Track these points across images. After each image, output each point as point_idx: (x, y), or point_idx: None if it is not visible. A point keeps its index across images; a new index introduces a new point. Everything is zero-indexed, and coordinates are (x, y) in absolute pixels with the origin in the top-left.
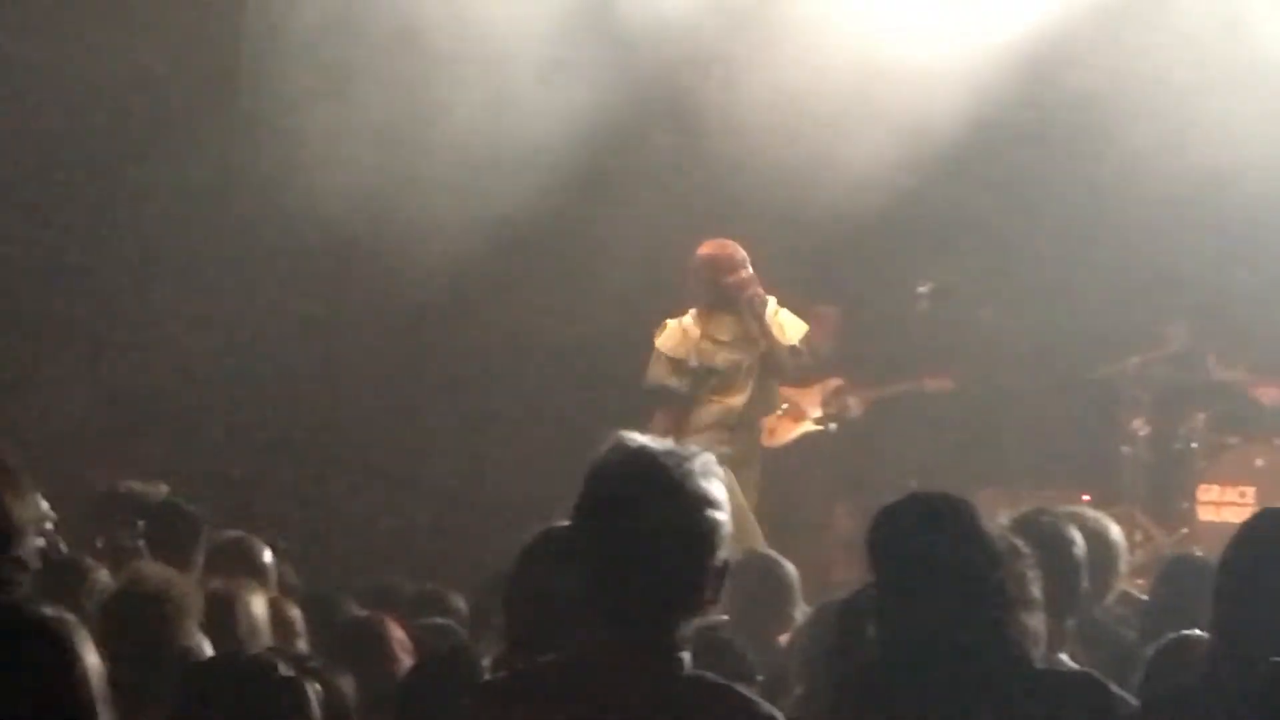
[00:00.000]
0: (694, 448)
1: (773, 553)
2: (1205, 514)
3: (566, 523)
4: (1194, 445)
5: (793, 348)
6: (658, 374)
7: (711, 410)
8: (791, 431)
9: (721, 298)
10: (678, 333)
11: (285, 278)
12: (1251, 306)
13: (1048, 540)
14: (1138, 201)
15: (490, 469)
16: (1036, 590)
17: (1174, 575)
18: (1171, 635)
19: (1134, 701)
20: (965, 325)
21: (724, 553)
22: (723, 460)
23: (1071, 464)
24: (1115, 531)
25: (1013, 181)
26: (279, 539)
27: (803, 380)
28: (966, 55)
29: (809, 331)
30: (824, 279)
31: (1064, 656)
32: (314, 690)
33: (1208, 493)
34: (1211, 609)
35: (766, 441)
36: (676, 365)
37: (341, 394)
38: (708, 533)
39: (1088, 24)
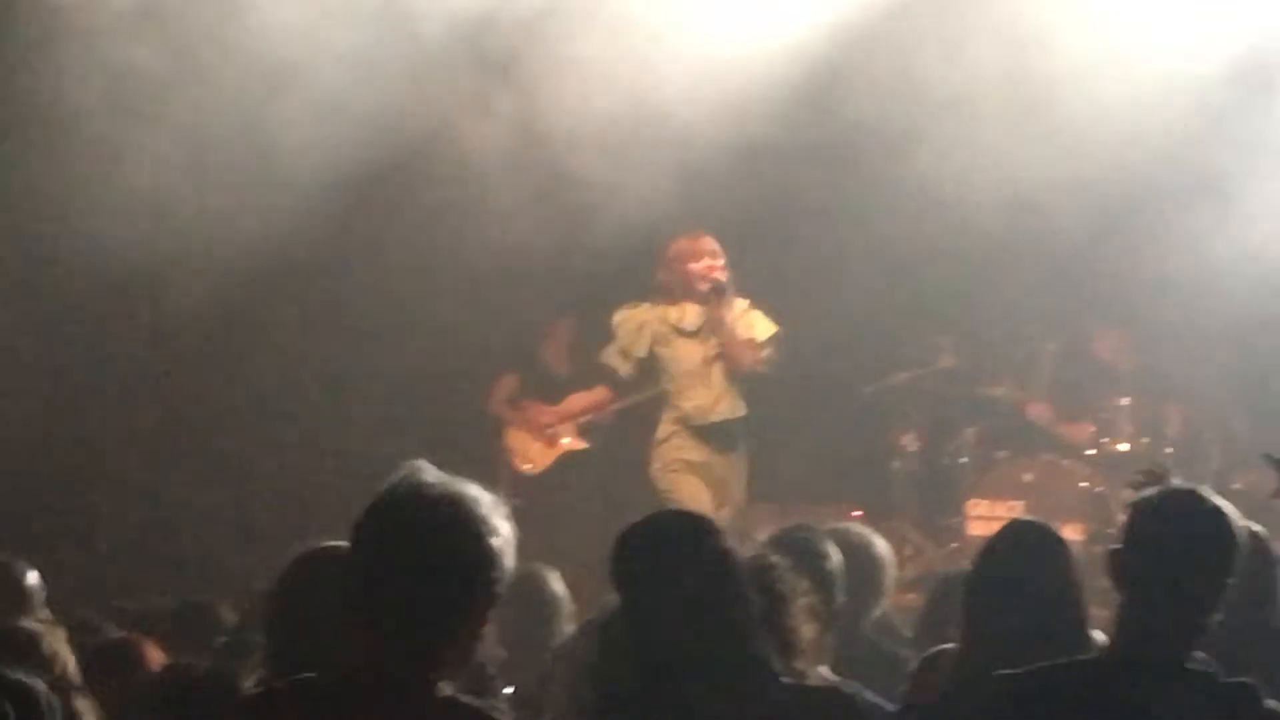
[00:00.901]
0: (480, 488)
1: (542, 568)
2: (975, 528)
3: (328, 544)
4: (963, 460)
5: (751, 340)
6: (606, 353)
7: (672, 415)
8: (549, 456)
9: (686, 286)
10: (634, 319)
11: (50, 299)
12: (1011, 326)
13: (803, 555)
14: (911, 221)
15: (267, 489)
16: (792, 605)
17: (946, 589)
18: (933, 649)
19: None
20: None
21: (500, 587)
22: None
23: (843, 479)
24: (881, 546)
25: (785, 202)
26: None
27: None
28: (741, 78)
29: (775, 335)
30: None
31: (824, 670)
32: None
33: (977, 507)
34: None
35: (527, 469)
36: (624, 351)
37: (110, 413)
38: (488, 563)
39: (869, 49)
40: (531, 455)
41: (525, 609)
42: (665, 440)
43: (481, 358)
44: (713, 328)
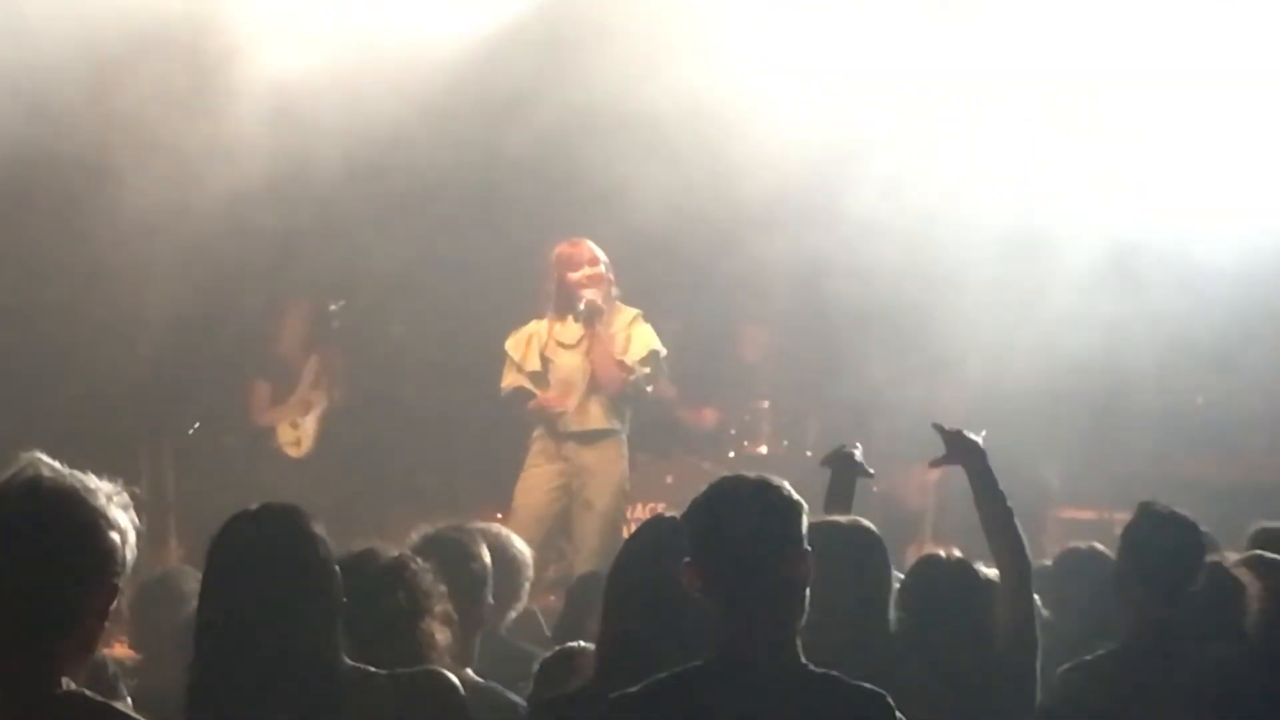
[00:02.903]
0: (107, 483)
1: (175, 568)
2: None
3: None
4: None
5: (620, 361)
6: (505, 378)
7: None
8: (310, 429)
9: (564, 298)
10: (525, 335)
11: None
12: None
13: (453, 556)
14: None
15: None
16: (429, 608)
17: (583, 589)
18: (559, 647)
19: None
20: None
21: (119, 579)
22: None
23: (486, 483)
24: (519, 547)
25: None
26: None
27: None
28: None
29: (652, 354)
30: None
31: (469, 673)
32: None
33: (632, 511)
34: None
35: (299, 453)
36: (516, 366)
37: None
38: (100, 559)
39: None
40: (298, 438)
41: (158, 610)
42: (530, 444)
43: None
44: (586, 344)
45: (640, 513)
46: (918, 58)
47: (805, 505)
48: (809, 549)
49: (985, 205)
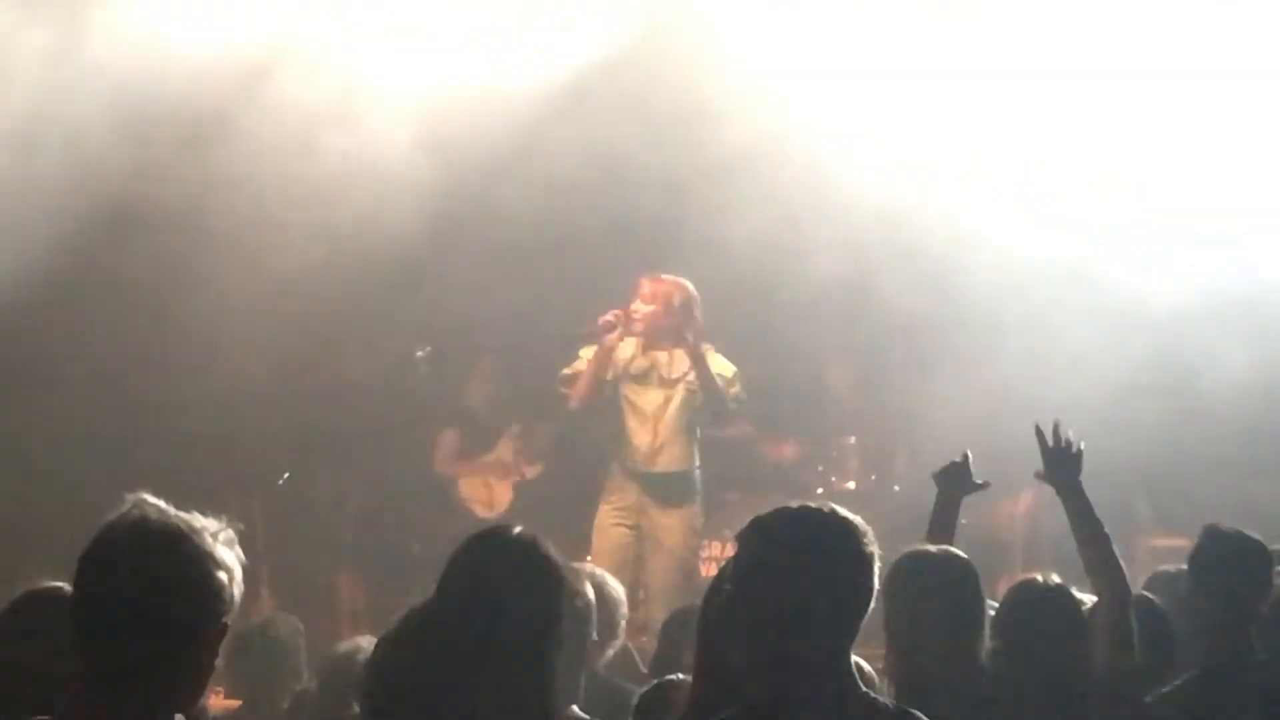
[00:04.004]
0: (212, 521)
1: (275, 615)
2: (708, 570)
3: (50, 585)
4: None
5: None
6: (571, 366)
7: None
8: (506, 494)
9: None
10: (610, 345)
11: None
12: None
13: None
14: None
15: None
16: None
17: (677, 625)
18: (655, 680)
19: None
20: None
21: (227, 618)
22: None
23: (575, 525)
24: (614, 586)
25: None
26: None
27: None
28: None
29: (737, 374)
30: None
31: (575, 710)
32: None
33: (708, 549)
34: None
35: (489, 514)
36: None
37: None
38: (213, 596)
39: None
40: (491, 499)
41: (257, 656)
42: (606, 482)
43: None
44: (665, 372)
45: (726, 552)
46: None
47: (864, 531)
48: (860, 577)
49: (1061, 239)
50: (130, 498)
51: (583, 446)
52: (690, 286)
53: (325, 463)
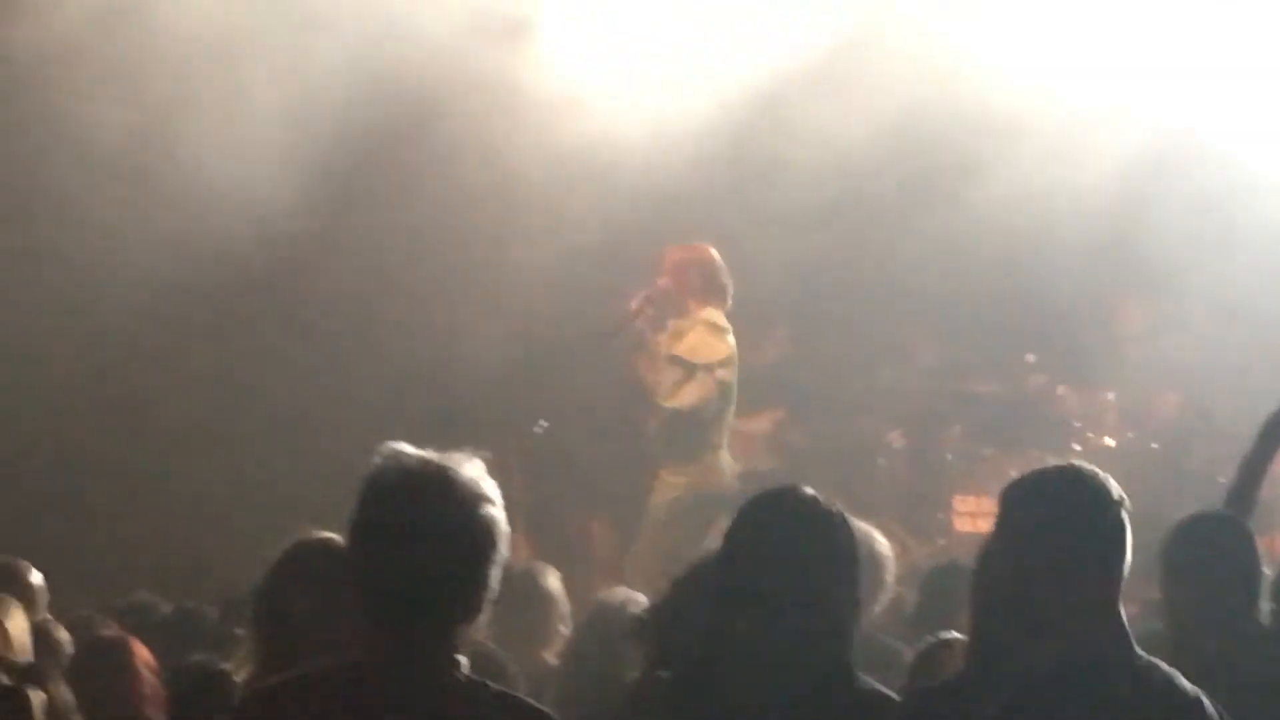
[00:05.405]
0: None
1: (536, 564)
2: (962, 525)
3: (316, 536)
4: (949, 457)
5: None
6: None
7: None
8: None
9: None
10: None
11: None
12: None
13: None
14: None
15: (243, 481)
16: None
17: (937, 582)
18: (930, 639)
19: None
20: None
21: (504, 549)
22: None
23: (828, 476)
24: (882, 543)
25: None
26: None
27: None
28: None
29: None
30: None
31: None
32: (38, 698)
33: (964, 504)
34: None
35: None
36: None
37: (102, 412)
38: (487, 531)
39: None
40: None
41: (524, 606)
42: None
43: (478, 360)
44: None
45: (980, 507)
46: None
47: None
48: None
49: None
50: (385, 448)
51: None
52: (706, 251)
53: (580, 410)
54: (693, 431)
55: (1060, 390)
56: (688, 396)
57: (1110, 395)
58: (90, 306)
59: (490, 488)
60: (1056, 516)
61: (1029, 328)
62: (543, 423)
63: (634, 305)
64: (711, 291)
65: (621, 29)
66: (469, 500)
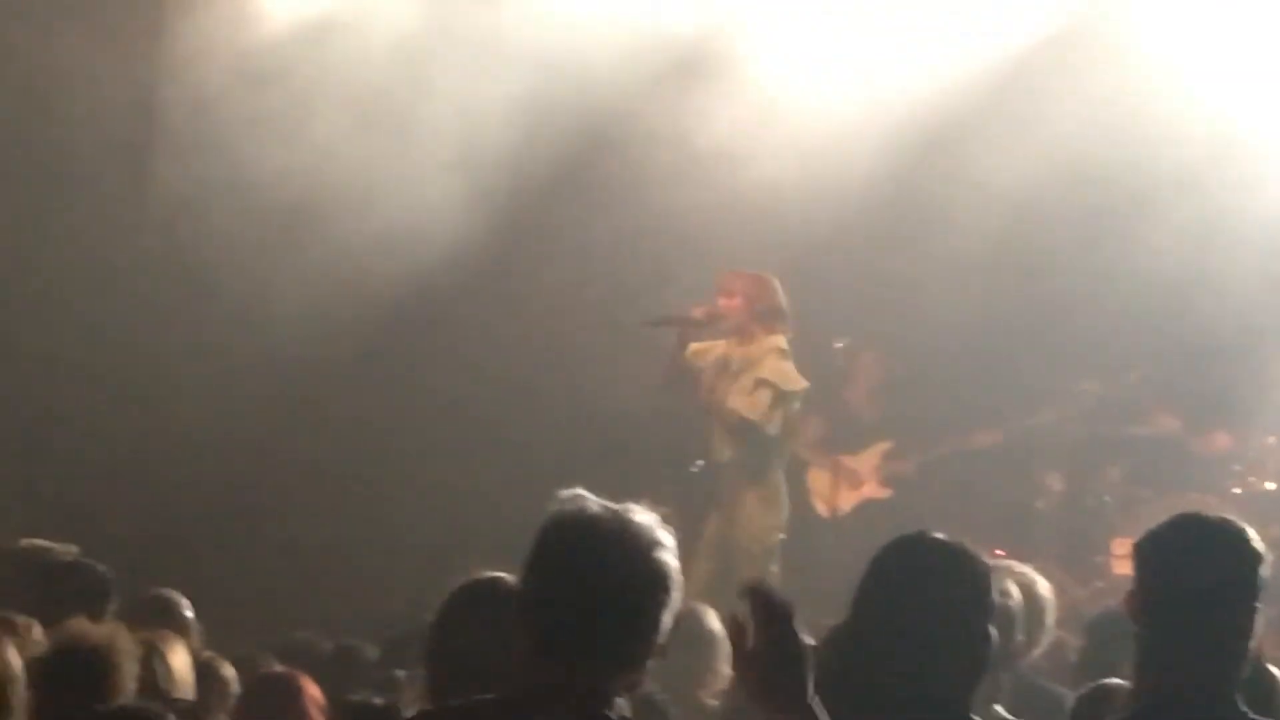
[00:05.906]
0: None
1: (697, 605)
2: (1120, 568)
3: (488, 575)
4: (1107, 499)
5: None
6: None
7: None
8: (849, 501)
9: None
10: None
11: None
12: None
13: None
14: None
15: (396, 521)
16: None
17: (1104, 628)
18: (1092, 684)
19: None
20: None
21: (677, 597)
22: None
23: (986, 519)
24: (1043, 586)
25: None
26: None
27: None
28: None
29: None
30: None
31: (999, 708)
32: None
33: (1123, 546)
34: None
35: (824, 511)
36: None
37: (259, 446)
38: (661, 576)
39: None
40: (832, 499)
41: (685, 647)
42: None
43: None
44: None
45: None
46: None
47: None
48: (1259, 605)
49: None
50: (566, 493)
51: (942, 483)
52: (768, 280)
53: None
54: (771, 453)
55: (1220, 433)
56: (776, 420)
57: (1271, 439)
58: (258, 346)
59: (666, 535)
60: (1187, 569)
61: (1190, 369)
62: (700, 462)
63: (697, 313)
64: (779, 318)
65: (787, 76)
66: (645, 546)
